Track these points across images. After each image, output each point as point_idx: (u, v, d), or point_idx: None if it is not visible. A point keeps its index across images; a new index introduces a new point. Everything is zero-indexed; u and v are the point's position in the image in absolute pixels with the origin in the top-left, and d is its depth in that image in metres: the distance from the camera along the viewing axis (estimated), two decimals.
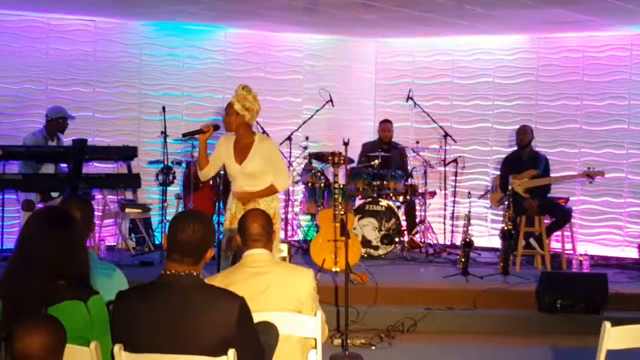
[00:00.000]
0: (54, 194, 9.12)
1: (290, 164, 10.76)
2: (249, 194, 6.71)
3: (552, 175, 10.07)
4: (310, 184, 10.67)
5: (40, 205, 9.18)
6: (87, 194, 9.16)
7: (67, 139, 9.67)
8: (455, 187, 11.32)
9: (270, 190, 6.75)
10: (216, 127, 6.86)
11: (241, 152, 6.74)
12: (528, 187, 9.75)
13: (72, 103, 10.55)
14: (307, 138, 11.05)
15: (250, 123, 6.75)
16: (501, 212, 10.16)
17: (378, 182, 10.33)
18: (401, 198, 10.55)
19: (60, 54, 10.56)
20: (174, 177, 10.35)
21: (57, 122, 9.49)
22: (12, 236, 9.57)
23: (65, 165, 9.23)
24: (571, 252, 10.03)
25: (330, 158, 8.52)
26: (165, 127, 9.93)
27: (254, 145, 6.72)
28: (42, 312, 3.41)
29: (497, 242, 10.07)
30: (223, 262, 6.82)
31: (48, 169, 9.31)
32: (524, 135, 10.05)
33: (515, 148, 10.29)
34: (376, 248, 10.11)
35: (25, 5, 9.98)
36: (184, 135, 7.23)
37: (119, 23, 10.89)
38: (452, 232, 11.31)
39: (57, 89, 10.54)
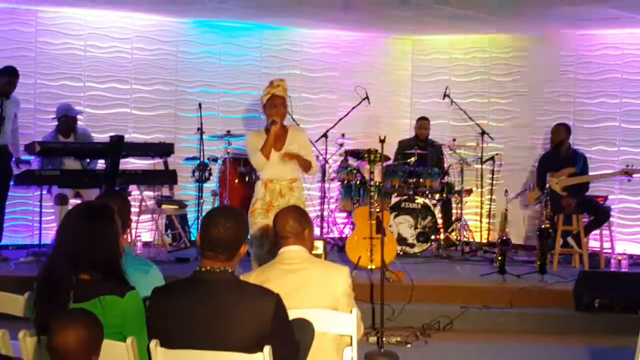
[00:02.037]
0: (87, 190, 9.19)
1: (326, 161, 10.75)
2: (291, 154, 6.99)
3: (590, 173, 9.98)
4: (346, 181, 10.67)
5: (74, 201, 9.25)
6: (124, 190, 9.21)
7: (104, 136, 9.74)
8: (492, 185, 11.26)
9: (308, 164, 7.07)
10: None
11: (277, 140, 7.00)
12: (566, 186, 9.66)
13: (109, 99, 10.65)
14: (343, 135, 11.03)
15: None
16: (538, 211, 10.08)
17: (414, 180, 10.29)
18: (437, 196, 10.50)
19: (97, 51, 10.63)
20: (210, 174, 10.39)
21: (61, 121, 9.53)
22: (49, 232, 9.66)
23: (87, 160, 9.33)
24: (610, 251, 9.92)
25: (366, 155, 8.53)
26: (201, 124, 10.00)
27: (290, 133, 7.08)
28: (79, 307, 3.42)
29: (534, 241, 9.98)
30: (257, 250, 6.86)
31: (72, 165, 9.36)
32: (554, 135, 9.96)
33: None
34: (412, 246, 10.08)
35: (63, 2, 10.05)
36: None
37: (156, 20, 10.93)
38: (489, 230, 11.24)
39: (94, 85, 10.61)
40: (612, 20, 10.05)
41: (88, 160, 9.27)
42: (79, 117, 9.75)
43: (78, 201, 9.19)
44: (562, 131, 9.92)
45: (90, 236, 3.64)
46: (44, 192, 9.44)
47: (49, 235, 9.57)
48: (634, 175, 9.73)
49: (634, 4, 8.96)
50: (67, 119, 9.51)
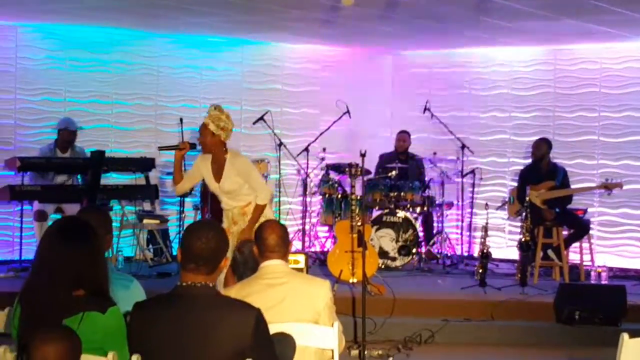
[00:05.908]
0: (69, 205, 9.16)
1: (307, 175, 10.77)
2: (249, 229, 6.69)
3: (571, 186, 10.04)
4: (327, 195, 10.69)
5: (56, 216, 9.22)
6: (105, 205, 9.19)
7: (85, 151, 9.72)
8: (472, 198, 11.31)
9: (259, 210, 6.89)
10: (192, 145, 7.12)
11: (218, 170, 6.96)
12: (545, 199, 9.71)
13: (90, 115, 10.63)
14: (324, 149, 11.06)
15: (225, 142, 6.90)
16: (519, 224, 10.13)
17: (395, 193, 10.32)
18: (418, 209, 10.54)
19: (78, 66, 10.62)
20: (192, 189, 10.35)
21: (61, 133, 9.55)
22: (30, 247, 9.62)
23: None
24: (589, 263, 9.97)
25: (347, 169, 8.55)
26: (182, 139, 9.98)
27: (227, 162, 6.91)
28: (59, 323, 3.42)
29: (514, 254, 10.04)
30: None
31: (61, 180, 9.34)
32: (536, 149, 10.01)
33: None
34: (393, 259, 10.10)
35: (43, 17, 10.04)
36: (159, 148, 7.63)
37: (137, 35, 10.93)
38: (470, 243, 11.29)
39: (75, 101, 10.59)
40: (589, 35, 10.13)
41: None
42: None
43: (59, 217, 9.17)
44: (544, 146, 9.97)
45: (67, 254, 3.63)
46: (26, 207, 9.42)
47: (30, 250, 9.53)
48: (613, 190, 9.79)
49: (609, 19, 9.03)
50: (67, 132, 9.53)
